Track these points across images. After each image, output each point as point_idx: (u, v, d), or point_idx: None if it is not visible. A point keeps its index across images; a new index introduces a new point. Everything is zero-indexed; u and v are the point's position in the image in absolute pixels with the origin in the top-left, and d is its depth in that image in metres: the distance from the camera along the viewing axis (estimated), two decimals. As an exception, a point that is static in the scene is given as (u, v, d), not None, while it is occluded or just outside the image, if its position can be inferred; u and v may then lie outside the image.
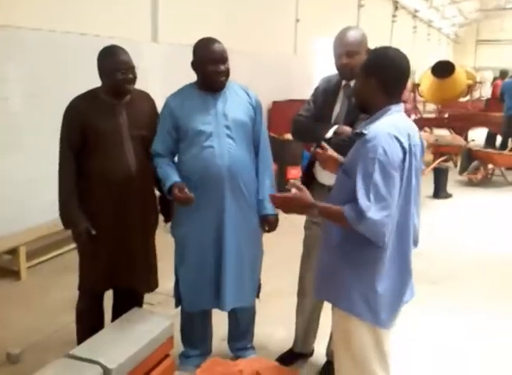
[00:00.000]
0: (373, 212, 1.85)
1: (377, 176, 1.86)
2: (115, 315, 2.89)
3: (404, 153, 1.93)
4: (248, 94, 2.74)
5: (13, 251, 4.28)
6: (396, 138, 1.91)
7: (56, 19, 5.04)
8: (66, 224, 2.67)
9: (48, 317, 3.45)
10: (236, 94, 2.71)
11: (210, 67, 2.56)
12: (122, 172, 2.64)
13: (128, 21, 6.10)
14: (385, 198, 1.87)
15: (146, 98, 2.88)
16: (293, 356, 3.11)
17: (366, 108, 2.11)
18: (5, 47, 4.63)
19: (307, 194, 2.03)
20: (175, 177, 2.60)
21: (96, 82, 2.69)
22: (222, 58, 2.58)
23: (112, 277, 2.75)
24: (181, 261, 2.77)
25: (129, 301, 2.85)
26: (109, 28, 5.65)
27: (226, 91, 2.67)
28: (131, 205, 2.70)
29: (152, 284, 2.88)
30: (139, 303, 2.93)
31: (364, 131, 1.96)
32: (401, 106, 2.08)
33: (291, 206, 2.05)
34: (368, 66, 2.04)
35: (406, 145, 1.93)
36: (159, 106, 2.80)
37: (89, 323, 2.78)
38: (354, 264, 2.02)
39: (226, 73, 2.62)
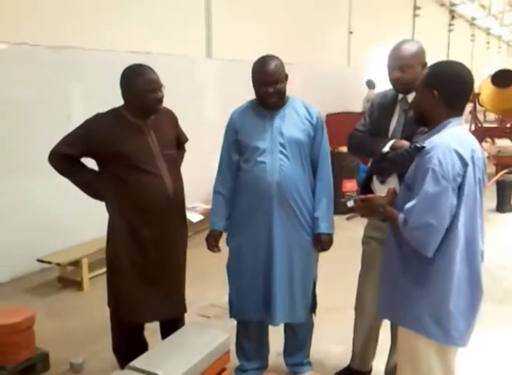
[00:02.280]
0: (417, 219, 1.87)
1: (428, 185, 1.87)
2: (164, 335, 2.86)
3: (465, 165, 1.90)
4: (309, 112, 2.71)
5: (76, 263, 4.45)
6: (456, 151, 1.89)
7: (114, 39, 5.26)
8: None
9: (109, 328, 3.54)
10: (296, 111, 2.69)
11: (260, 88, 2.59)
12: (161, 194, 2.60)
13: (183, 38, 6.28)
14: (432, 207, 1.86)
15: (170, 115, 2.83)
16: (351, 373, 3.03)
17: (425, 121, 2.08)
18: (68, 66, 4.87)
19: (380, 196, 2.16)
20: (218, 222, 2.76)
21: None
22: (272, 79, 2.56)
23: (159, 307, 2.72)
24: (232, 269, 2.81)
25: (173, 324, 2.83)
26: (165, 46, 5.83)
27: (286, 108, 2.68)
28: (170, 231, 2.67)
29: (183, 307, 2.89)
30: (182, 323, 2.93)
31: (424, 145, 1.95)
32: (463, 119, 2.04)
33: (369, 206, 2.13)
34: (430, 77, 2.01)
35: (467, 158, 1.91)
36: (218, 121, 2.82)
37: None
38: (422, 282, 1.97)
39: (277, 95, 2.60)
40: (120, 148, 2.55)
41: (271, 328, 2.93)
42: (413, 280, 1.99)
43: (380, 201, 2.12)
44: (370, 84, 11.20)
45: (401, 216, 1.95)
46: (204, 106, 6.73)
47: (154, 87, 2.57)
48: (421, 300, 1.97)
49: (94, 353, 3.29)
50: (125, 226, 2.63)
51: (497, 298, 4.13)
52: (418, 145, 2.01)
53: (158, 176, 2.61)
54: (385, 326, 2.77)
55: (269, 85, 2.57)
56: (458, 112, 2.02)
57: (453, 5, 18.56)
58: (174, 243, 2.72)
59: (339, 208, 6.59)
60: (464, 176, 1.90)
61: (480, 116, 12.42)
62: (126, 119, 2.62)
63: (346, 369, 3.05)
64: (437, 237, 1.88)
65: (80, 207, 4.74)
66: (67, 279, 4.59)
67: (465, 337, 2.02)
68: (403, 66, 2.53)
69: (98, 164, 2.69)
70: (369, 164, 2.84)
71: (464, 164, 1.90)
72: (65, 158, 2.64)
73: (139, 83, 2.55)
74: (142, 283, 2.66)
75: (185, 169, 3.01)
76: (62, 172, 2.69)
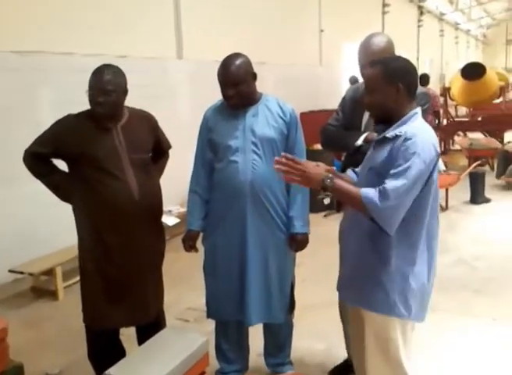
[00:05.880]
0: (397, 198, 1.86)
1: (414, 169, 1.87)
2: (141, 340, 2.79)
3: (437, 155, 1.98)
4: (282, 109, 2.66)
5: (50, 272, 4.35)
6: (431, 141, 1.97)
7: (82, 43, 5.14)
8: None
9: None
10: (269, 109, 2.64)
11: (222, 90, 2.57)
12: (126, 198, 2.53)
13: (153, 40, 6.19)
14: (411, 190, 1.89)
15: (147, 119, 2.77)
16: (348, 367, 2.82)
17: (389, 118, 2.06)
18: (35, 72, 4.74)
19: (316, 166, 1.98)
20: (195, 222, 2.72)
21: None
22: (233, 81, 2.51)
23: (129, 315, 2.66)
24: (207, 269, 2.78)
25: (152, 329, 2.75)
26: (135, 48, 5.73)
27: (259, 106, 2.64)
28: (137, 236, 2.60)
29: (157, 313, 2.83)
30: (162, 325, 2.88)
31: (398, 133, 1.97)
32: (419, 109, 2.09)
33: (306, 174, 1.92)
34: (390, 73, 2.01)
35: (438, 149, 1.99)
36: (192, 122, 2.78)
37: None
38: (390, 263, 2.01)
39: (239, 96, 2.54)
40: (86, 150, 2.51)
41: (251, 329, 2.89)
42: (384, 263, 2.02)
43: (318, 170, 1.96)
44: (352, 81, 11.22)
45: (373, 193, 1.88)
46: (176, 108, 6.66)
47: (99, 87, 2.48)
48: (391, 281, 2.02)
49: (70, 363, 3.22)
50: (90, 229, 2.58)
51: (474, 288, 4.18)
52: (389, 136, 2.00)
53: (123, 180, 2.55)
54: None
55: (229, 87, 2.52)
56: (414, 101, 2.08)
57: (421, 0, 18.80)
58: (142, 248, 2.64)
59: (316, 206, 6.65)
60: (434, 166, 1.97)
61: (451, 111, 12.62)
62: (96, 120, 2.56)
63: (342, 364, 2.97)
64: (401, 218, 1.92)
65: (53, 214, 4.66)
66: (41, 289, 4.48)
67: (423, 312, 2.12)
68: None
69: (68, 165, 2.66)
70: (343, 158, 2.84)
71: (437, 154, 1.97)
72: (36, 158, 2.62)
73: (89, 82, 2.52)
74: (107, 288, 2.59)
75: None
76: (34, 172, 2.65)
